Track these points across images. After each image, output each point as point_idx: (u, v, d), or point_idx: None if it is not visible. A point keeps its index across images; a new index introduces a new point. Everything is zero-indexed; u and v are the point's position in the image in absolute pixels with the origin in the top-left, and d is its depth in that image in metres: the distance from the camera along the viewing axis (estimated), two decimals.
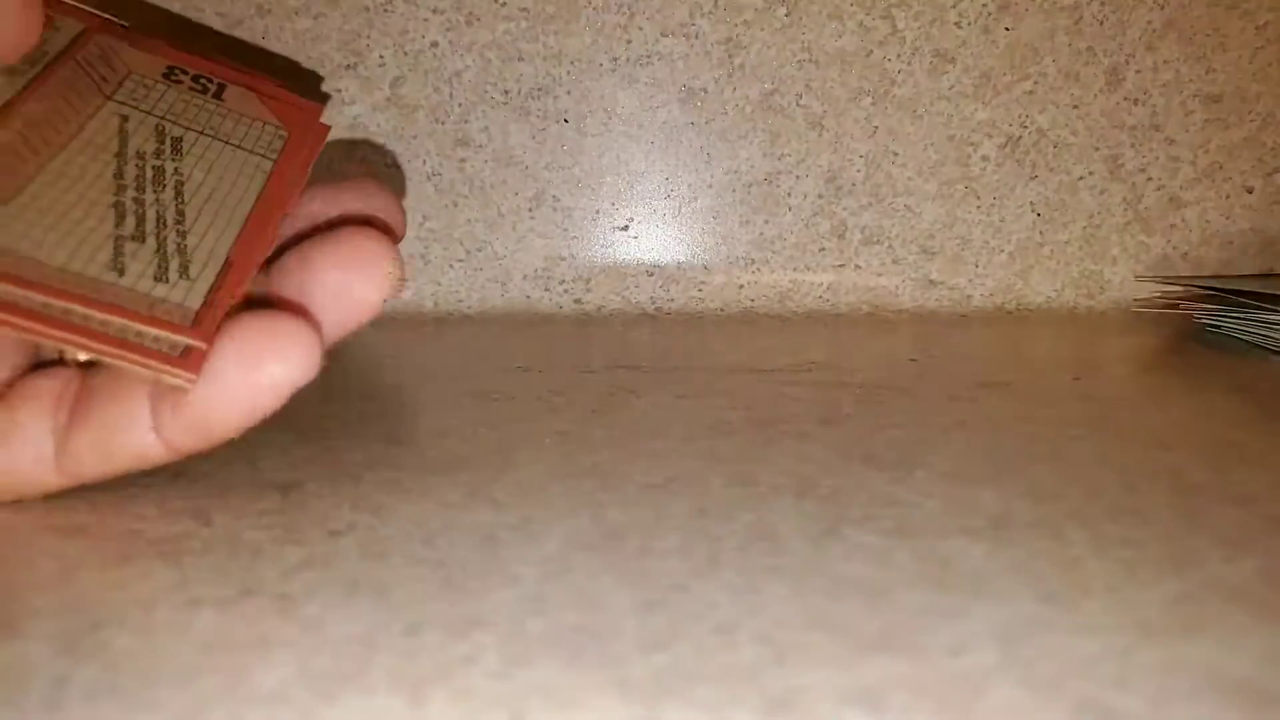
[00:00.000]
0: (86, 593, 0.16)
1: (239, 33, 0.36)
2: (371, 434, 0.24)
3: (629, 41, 0.36)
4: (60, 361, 0.20)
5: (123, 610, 0.16)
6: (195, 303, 0.19)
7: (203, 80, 0.25)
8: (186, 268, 0.20)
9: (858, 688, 0.14)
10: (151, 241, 0.20)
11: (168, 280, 0.19)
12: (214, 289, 0.20)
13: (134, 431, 0.19)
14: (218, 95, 0.25)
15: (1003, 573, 0.17)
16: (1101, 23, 0.38)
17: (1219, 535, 0.18)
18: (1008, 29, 0.38)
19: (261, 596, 0.16)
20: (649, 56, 0.37)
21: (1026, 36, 0.38)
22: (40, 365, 0.20)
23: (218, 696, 0.14)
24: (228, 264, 0.20)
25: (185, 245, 0.20)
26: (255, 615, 0.16)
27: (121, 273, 0.19)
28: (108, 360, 0.18)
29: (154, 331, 0.18)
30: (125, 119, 0.22)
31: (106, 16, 0.25)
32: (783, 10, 0.36)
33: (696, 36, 0.37)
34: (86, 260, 0.19)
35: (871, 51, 0.37)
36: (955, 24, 0.37)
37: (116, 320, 0.18)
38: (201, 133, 0.23)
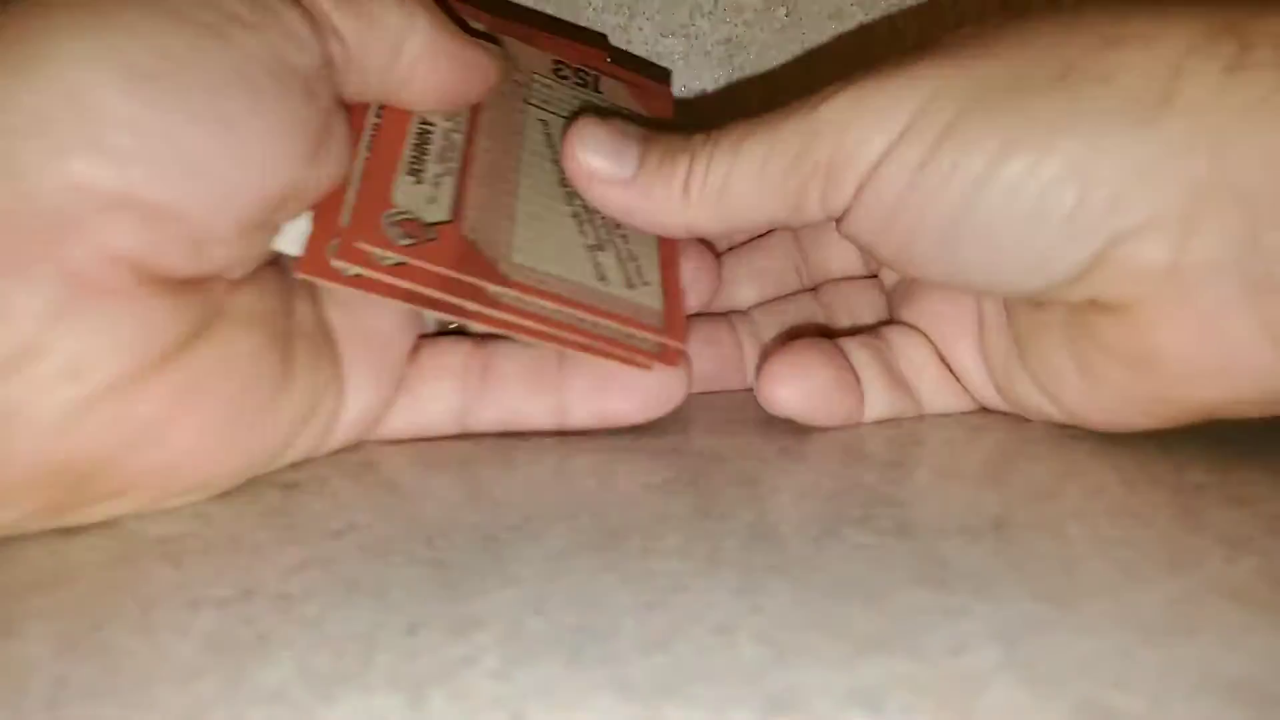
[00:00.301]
0: (86, 593, 0.16)
1: None
2: None
3: (629, 42, 0.36)
4: (446, 332, 0.24)
5: (122, 610, 0.16)
6: (658, 304, 0.22)
7: (583, 73, 0.27)
8: (640, 271, 0.22)
9: (858, 687, 0.14)
10: (609, 249, 0.22)
11: (634, 285, 0.22)
12: (664, 289, 0.22)
13: (536, 415, 0.23)
14: (596, 88, 0.26)
15: (1003, 572, 0.17)
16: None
17: (1219, 535, 0.18)
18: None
19: (261, 596, 0.16)
20: (648, 56, 0.37)
21: None
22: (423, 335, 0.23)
23: (218, 696, 0.14)
24: (663, 264, 0.23)
25: (631, 250, 0.23)
26: (255, 615, 0.16)
27: (605, 280, 0.21)
28: (598, 357, 0.21)
29: (638, 333, 0.21)
30: (545, 123, 0.24)
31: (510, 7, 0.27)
32: (782, 11, 0.36)
33: (696, 37, 0.37)
34: (581, 272, 0.21)
35: (872, 51, 0.37)
36: (956, 24, 0.37)
37: (610, 324, 0.21)
38: None
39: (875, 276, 0.27)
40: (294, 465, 0.22)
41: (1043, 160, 0.19)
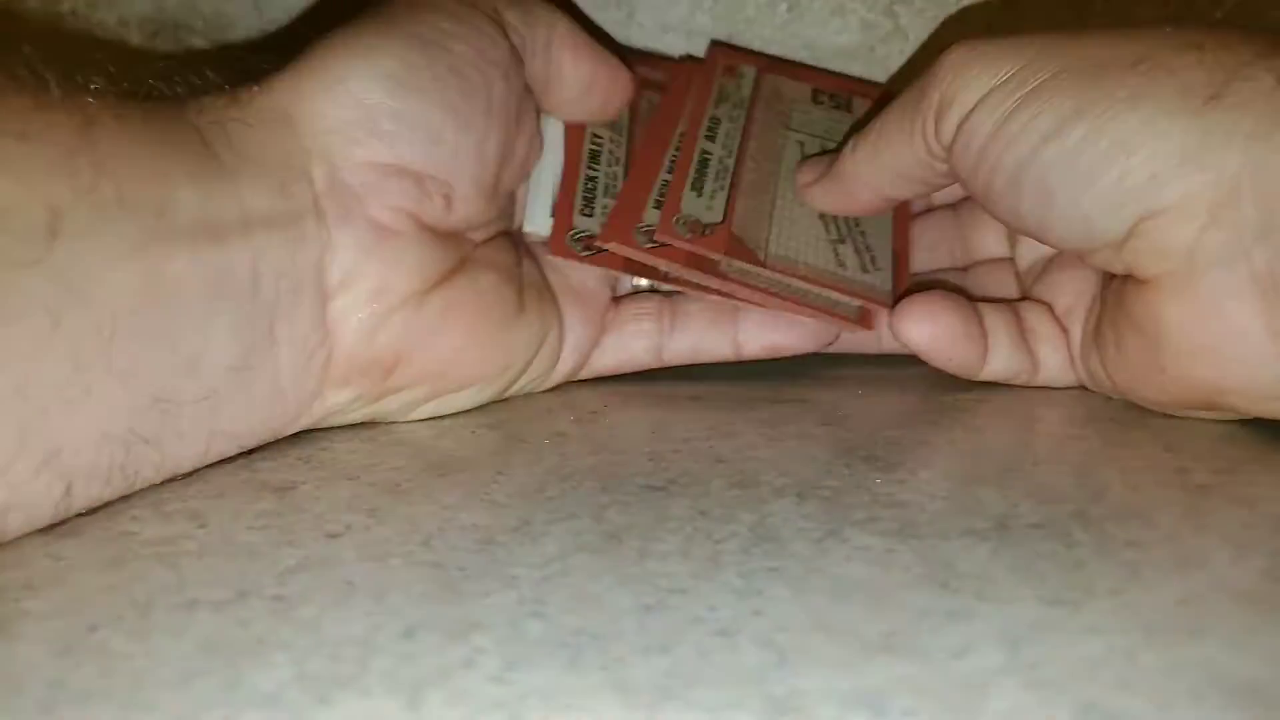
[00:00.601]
0: (82, 595, 0.16)
1: (235, 33, 0.36)
2: (368, 434, 0.24)
3: (628, 38, 0.36)
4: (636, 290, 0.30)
5: (118, 612, 0.16)
6: (887, 285, 0.28)
7: (837, 98, 0.32)
8: (874, 260, 0.28)
9: (860, 690, 0.14)
10: (849, 242, 0.28)
11: (868, 270, 0.28)
12: (894, 275, 0.28)
13: (718, 348, 0.28)
14: (848, 109, 0.32)
15: (1006, 574, 0.17)
16: (1106, 19, 0.38)
17: (1224, 536, 0.18)
18: (1012, 25, 0.37)
19: (258, 598, 0.16)
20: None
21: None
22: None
23: (214, 699, 0.14)
24: (895, 255, 0.29)
25: (868, 244, 0.28)
26: (252, 617, 0.16)
27: (843, 266, 0.27)
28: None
29: (870, 305, 0.27)
30: (802, 144, 0.30)
31: (769, 56, 0.34)
32: (784, 6, 0.36)
33: (697, 33, 0.36)
34: (824, 259, 0.27)
35: (874, 48, 0.37)
36: (958, 20, 0.37)
37: (844, 298, 0.27)
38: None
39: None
40: (291, 466, 0.21)
41: (1100, 131, 0.21)
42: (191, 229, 0.19)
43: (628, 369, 0.29)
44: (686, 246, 0.27)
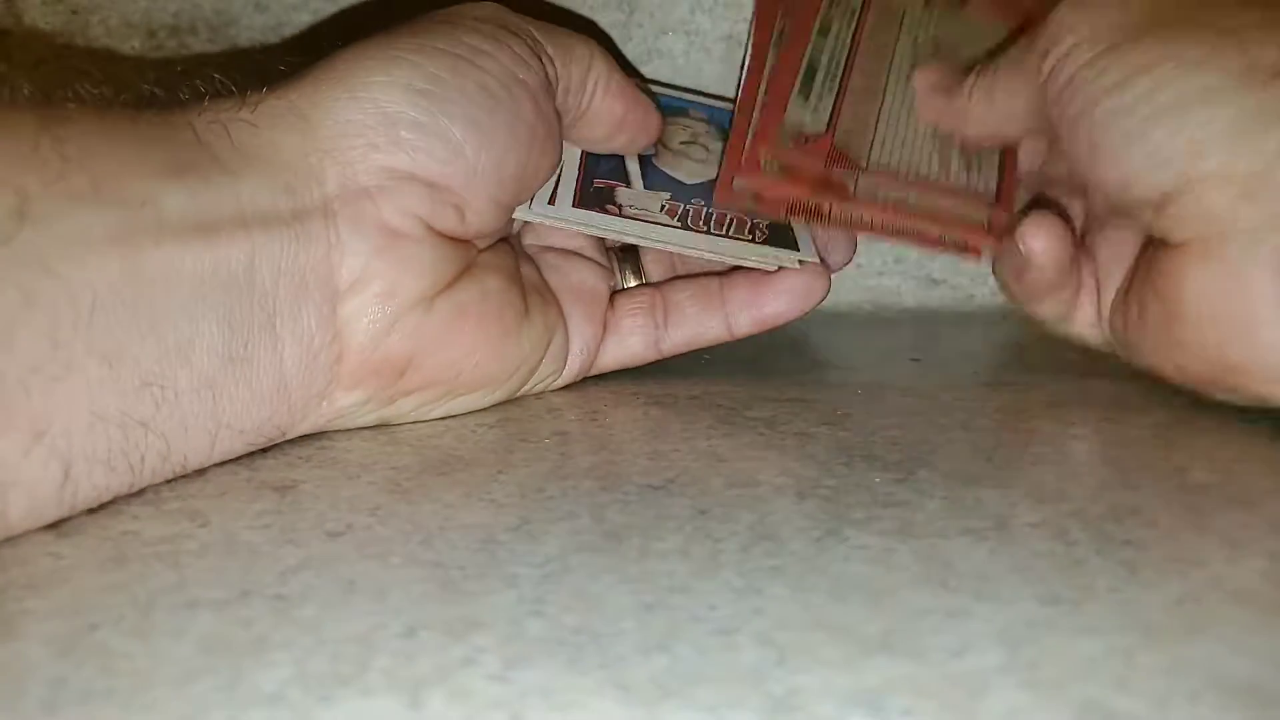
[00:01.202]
0: (83, 594, 0.16)
1: (234, 31, 0.36)
2: (369, 433, 0.24)
3: (629, 39, 0.36)
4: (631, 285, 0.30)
5: (120, 611, 0.16)
6: (992, 185, 0.28)
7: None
8: (980, 162, 0.28)
9: (859, 689, 0.14)
10: (952, 147, 0.28)
11: (972, 169, 0.28)
12: (1000, 177, 0.28)
13: (711, 331, 0.29)
14: (961, 4, 0.32)
15: (1005, 573, 0.17)
16: None
17: (1222, 536, 0.18)
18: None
19: (259, 598, 0.16)
20: (649, 54, 0.37)
21: None
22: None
23: (215, 698, 0.14)
24: (1002, 159, 0.28)
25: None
26: (253, 617, 0.16)
27: (946, 170, 0.28)
28: (932, 231, 0.27)
29: (971, 207, 0.27)
30: (915, 40, 0.31)
31: None
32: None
33: (696, 33, 0.36)
34: (926, 165, 0.28)
35: None
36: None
37: (949, 202, 0.27)
38: (960, 45, 0.30)
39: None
40: (292, 465, 0.22)
41: (1157, 91, 0.22)
42: (179, 223, 0.19)
43: (629, 365, 0.29)
44: (783, 193, 0.27)
